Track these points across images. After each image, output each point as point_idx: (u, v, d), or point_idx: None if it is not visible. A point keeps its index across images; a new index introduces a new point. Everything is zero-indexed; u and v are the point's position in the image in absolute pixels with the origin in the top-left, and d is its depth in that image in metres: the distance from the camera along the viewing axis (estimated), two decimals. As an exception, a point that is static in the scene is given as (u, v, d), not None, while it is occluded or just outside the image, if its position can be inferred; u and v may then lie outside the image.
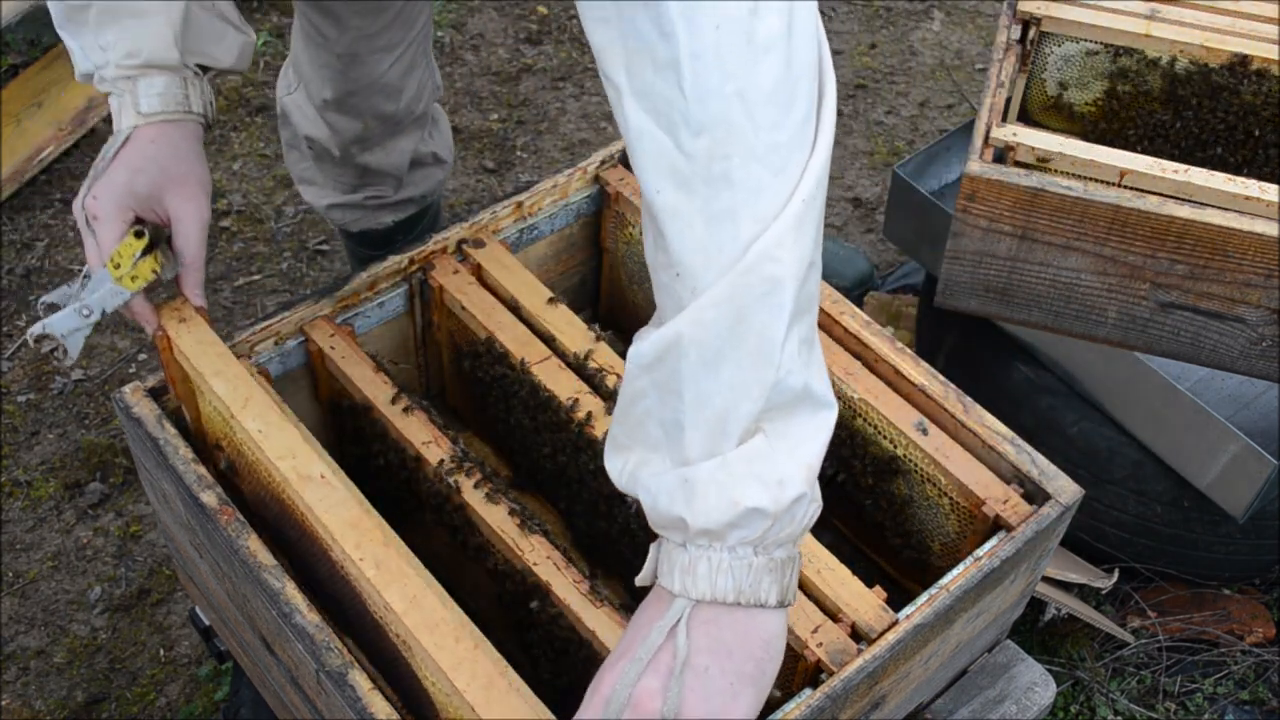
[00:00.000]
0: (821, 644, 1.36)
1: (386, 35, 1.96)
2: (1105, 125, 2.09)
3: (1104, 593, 2.27)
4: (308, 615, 1.34)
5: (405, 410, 1.56)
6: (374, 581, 1.31)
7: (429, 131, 2.22)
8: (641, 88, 0.98)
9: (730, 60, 0.95)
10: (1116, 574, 2.17)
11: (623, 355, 1.64)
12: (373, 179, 2.21)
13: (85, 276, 1.43)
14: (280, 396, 1.55)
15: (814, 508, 1.06)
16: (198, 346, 1.47)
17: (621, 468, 1.08)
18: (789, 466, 1.01)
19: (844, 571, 1.44)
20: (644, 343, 1.03)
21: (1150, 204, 1.73)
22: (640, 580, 1.11)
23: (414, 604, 1.29)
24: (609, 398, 1.59)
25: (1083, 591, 2.26)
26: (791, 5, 0.98)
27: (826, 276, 2.68)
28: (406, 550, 1.34)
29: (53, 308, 1.41)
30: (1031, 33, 2.00)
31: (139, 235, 1.39)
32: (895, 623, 1.39)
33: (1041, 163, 1.84)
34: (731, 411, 1.00)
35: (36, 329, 1.40)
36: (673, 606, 1.05)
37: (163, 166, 1.42)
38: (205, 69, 1.51)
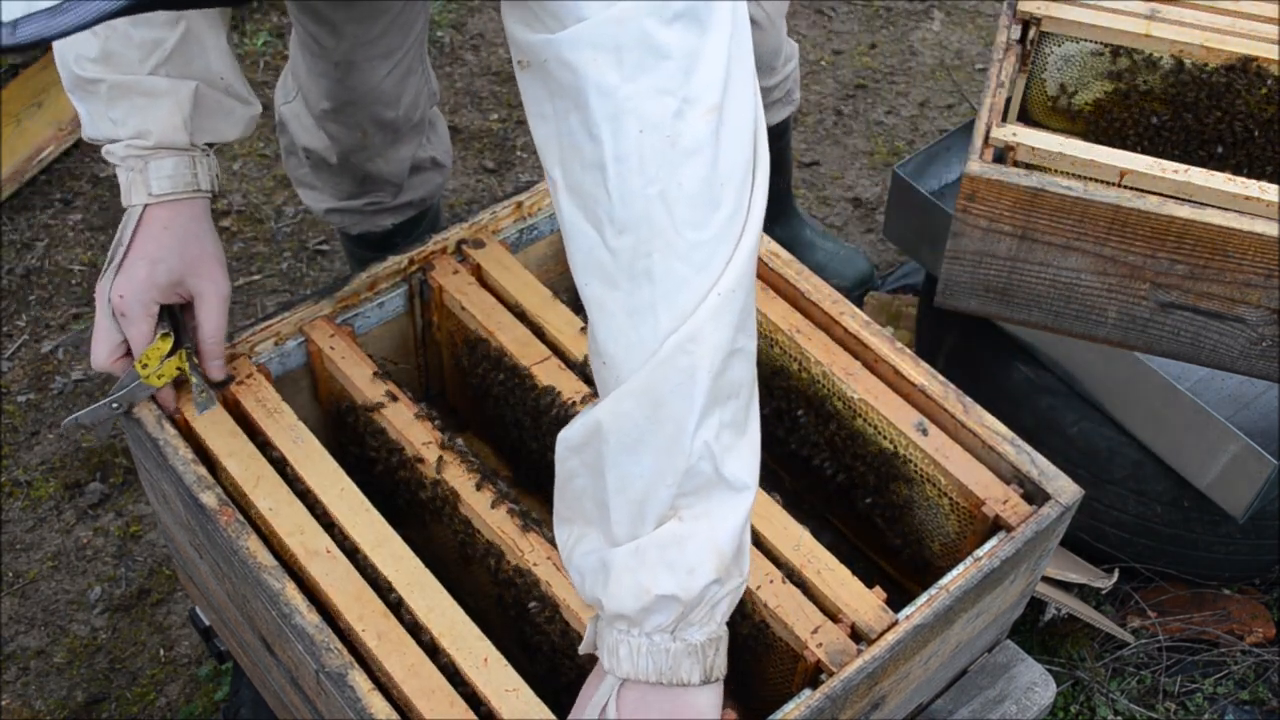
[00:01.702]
0: (821, 644, 1.36)
1: (383, 42, 1.96)
2: (1105, 125, 2.09)
3: (1104, 593, 2.27)
4: (307, 616, 1.35)
5: (404, 411, 1.56)
6: (375, 651, 1.34)
7: (427, 137, 2.22)
8: (573, 184, 1.03)
9: (652, 163, 1.00)
10: (1116, 574, 2.17)
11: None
12: (372, 186, 2.21)
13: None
14: (280, 396, 1.56)
15: (730, 588, 1.10)
16: (212, 428, 1.52)
17: (564, 540, 1.13)
18: (700, 554, 1.06)
19: (844, 572, 1.44)
20: (571, 427, 1.09)
21: (1150, 204, 1.73)
22: (582, 650, 1.17)
23: (411, 672, 1.33)
24: (609, 398, 1.59)
25: (1083, 591, 2.25)
26: (723, 105, 1.01)
27: (826, 276, 2.68)
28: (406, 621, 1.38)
29: (76, 347, 1.50)
30: (1031, 33, 2.00)
31: (165, 337, 1.48)
32: (895, 623, 1.39)
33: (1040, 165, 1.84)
34: (649, 496, 1.05)
35: (70, 421, 1.50)
36: (604, 683, 1.11)
37: (180, 253, 1.47)
38: (212, 144, 1.54)
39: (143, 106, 1.45)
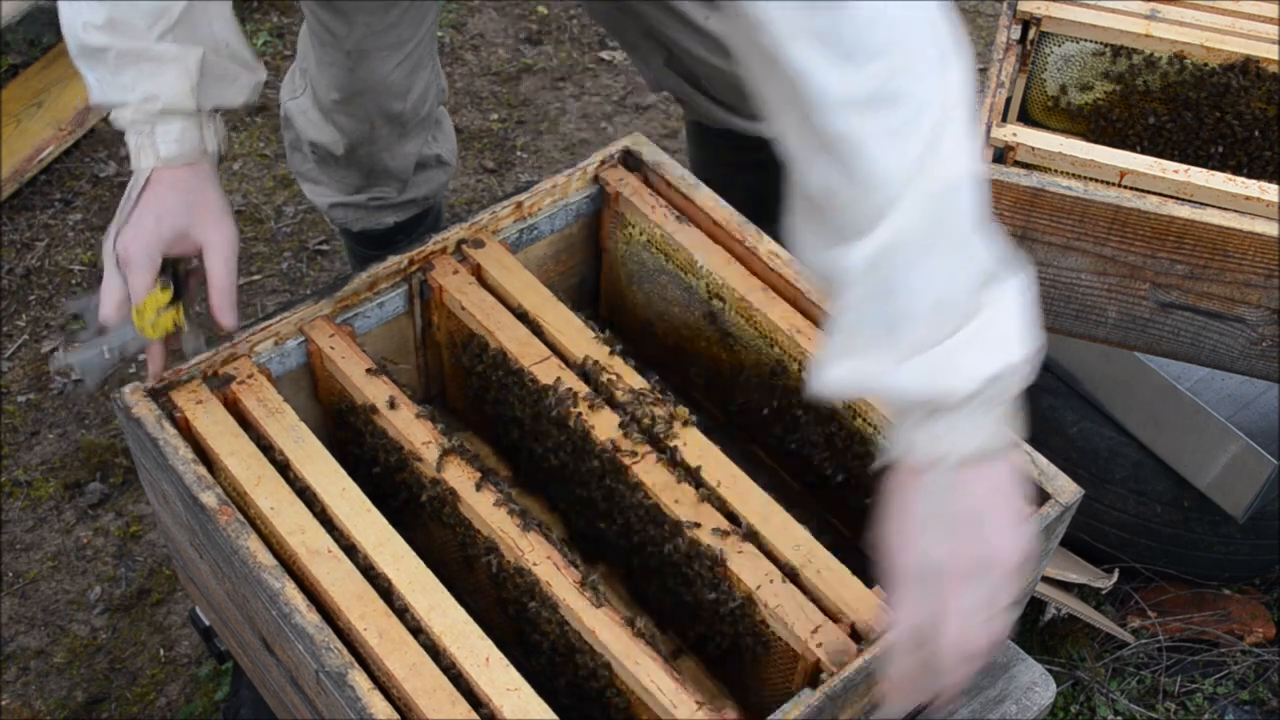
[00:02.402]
0: (821, 644, 1.36)
1: (395, 32, 1.96)
2: (1105, 125, 2.09)
3: (1104, 593, 2.27)
4: (307, 616, 1.35)
5: (404, 411, 1.57)
6: (376, 650, 1.34)
7: (433, 134, 2.22)
8: (814, 27, 1.08)
9: None
10: (1116, 574, 2.17)
11: (622, 355, 1.64)
12: (377, 180, 2.21)
13: (95, 308, 1.51)
14: (281, 397, 1.56)
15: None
16: (213, 428, 1.52)
17: (843, 375, 1.18)
18: (1013, 332, 1.15)
19: (844, 571, 1.44)
20: (851, 255, 1.13)
21: (1150, 204, 1.73)
22: (890, 459, 1.22)
23: (412, 671, 1.33)
24: (608, 396, 1.59)
25: (1083, 591, 2.25)
26: None
27: (826, 276, 2.68)
28: (409, 622, 1.39)
29: (75, 318, 1.47)
30: (1031, 33, 2.00)
31: (165, 288, 1.48)
32: (895, 623, 1.39)
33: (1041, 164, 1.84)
34: (948, 299, 1.13)
35: (60, 360, 1.47)
36: (937, 475, 1.17)
37: (186, 207, 1.50)
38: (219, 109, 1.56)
39: (150, 73, 1.47)
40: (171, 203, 1.49)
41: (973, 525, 1.17)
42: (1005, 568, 1.17)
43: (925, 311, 1.13)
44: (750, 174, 2.64)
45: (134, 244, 1.47)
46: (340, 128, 2.10)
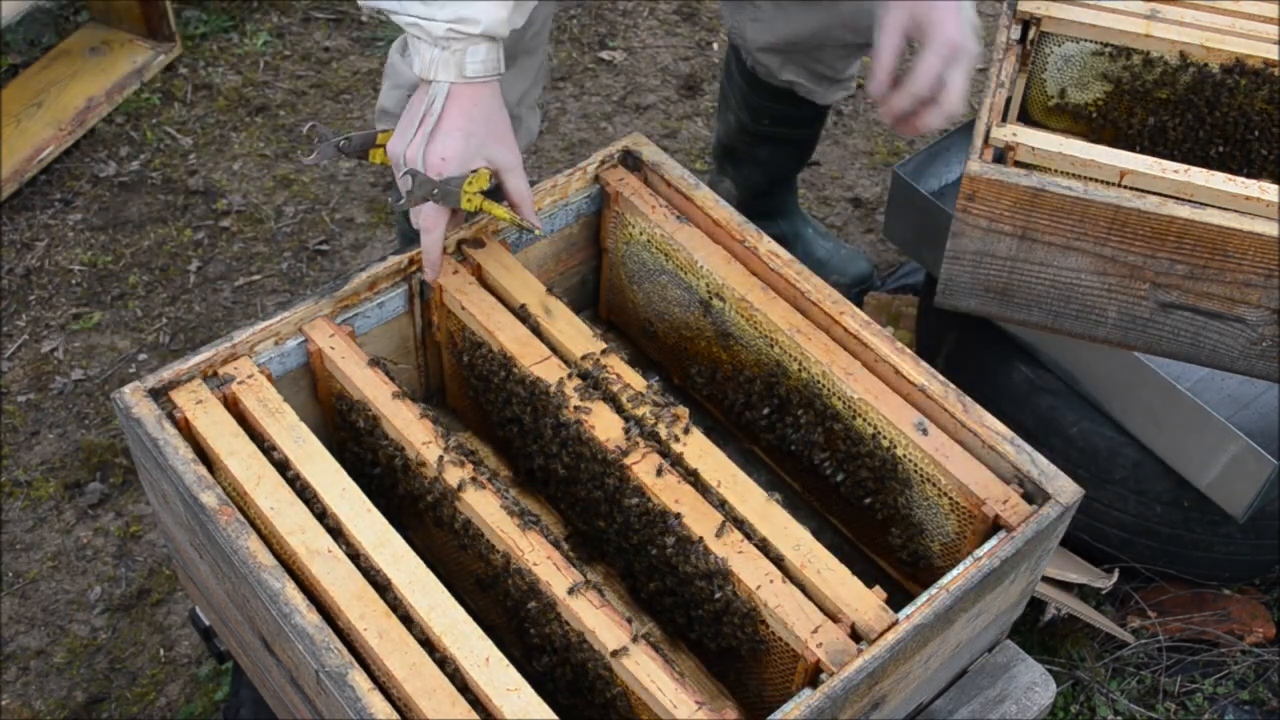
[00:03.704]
0: (821, 644, 1.36)
1: None
2: (1105, 125, 2.09)
3: (1104, 593, 2.27)
4: (307, 616, 1.35)
5: (405, 411, 1.57)
6: (376, 650, 1.34)
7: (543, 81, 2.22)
8: None
9: None
10: (1116, 574, 2.17)
11: (623, 355, 1.64)
12: None
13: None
14: (281, 397, 1.56)
15: None
16: (213, 428, 1.52)
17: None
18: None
19: (844, 571, 1.44)
20: None
21: (1150, 204, 1.73)
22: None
23: (412, 671, 1.33)
24: (609, 396, 1.59)
25: (1083, 591, 2.26)
26: None
27: (827, 274, 2.68)
28: (406, 620, 1.39)
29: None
30: (1031, 33, 2.00)
31: (484, 175, 1.63)
32: (895, 623, 1.39)
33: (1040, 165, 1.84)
34: None
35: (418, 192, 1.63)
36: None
37: (486, 124, 1.62)
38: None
39: None
40: (475, 120, 1.60)
41: None
42: None
43: None
44: (773, 148, 2.61)
45: (451, 159, 1.59)
46: None
